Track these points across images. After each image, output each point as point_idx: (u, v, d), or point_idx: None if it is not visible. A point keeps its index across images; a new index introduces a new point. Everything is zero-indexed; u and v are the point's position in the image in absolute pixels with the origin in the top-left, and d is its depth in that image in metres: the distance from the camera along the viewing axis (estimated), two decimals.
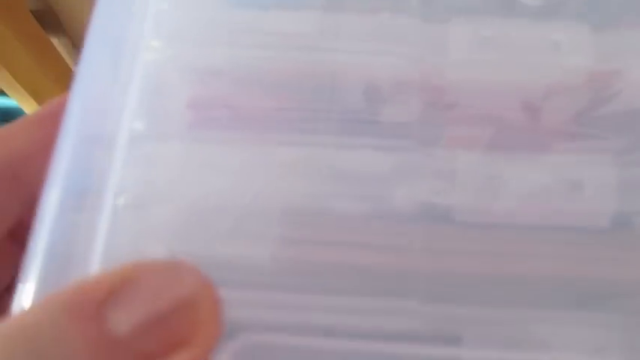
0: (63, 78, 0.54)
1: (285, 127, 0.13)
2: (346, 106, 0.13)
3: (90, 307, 0.07)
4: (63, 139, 0.12)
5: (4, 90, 0.51)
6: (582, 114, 0.13)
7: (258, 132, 0.13)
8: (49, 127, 0.13)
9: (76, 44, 0.56)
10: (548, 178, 0.12)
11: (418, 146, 0.12)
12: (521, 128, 0.13)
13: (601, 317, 0.11)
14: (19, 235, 0.14)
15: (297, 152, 0.12)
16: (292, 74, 0.13)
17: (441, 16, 0.13)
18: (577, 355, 0.10)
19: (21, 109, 0.54)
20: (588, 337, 0.11)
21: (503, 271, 0.12)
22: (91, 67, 0.12)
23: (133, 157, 0.12)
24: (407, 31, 0.13)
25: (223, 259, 0.11)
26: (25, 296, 0.10)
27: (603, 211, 0.12)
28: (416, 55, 0.13)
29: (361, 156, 0.13)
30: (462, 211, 0.12)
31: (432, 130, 0.13)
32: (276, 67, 0.13)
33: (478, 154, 0.13)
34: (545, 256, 0.12)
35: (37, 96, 0.52)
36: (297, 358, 0.10)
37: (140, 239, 0.11)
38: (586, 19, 0.13)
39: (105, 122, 0.12)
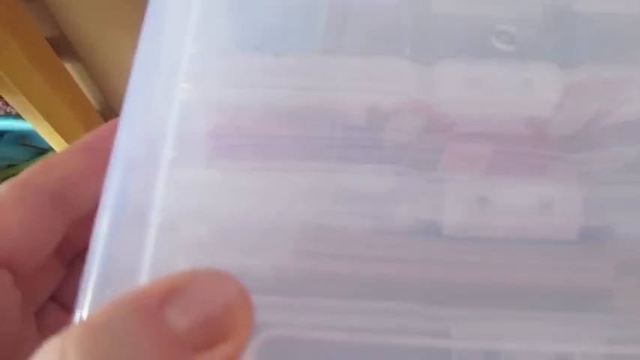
0: (76, 101, 0.56)
1: (297, 155, 0.15)
2: (350, 135, 0.15)
3: (153, 308, 0.09)
4: (112, 168, 0.14)
5: (20, 113, 0.53)
6: (554, 142, 0.15)
7: (274, 159, 0.15)
8: (93, 156, 0.15)
9: (88, 69, 0.58)
10: (525, 197, 0.14)
11: (414, 170, 0.14)
12: (503, 154, 0.15)
13: (571, 316, 0.13)
14: (63, 252, 0.16)
15: (308, 177, 0.14)
16: (301, 108, 0.15)
17: (429, 60, 0.15)
18: (548, 346, 0.12)
19: (35, 131, 0.56)
20: (558, 332, 0.13)
21: (487, 278, 0.14)
22: (134, 106, 0.14)
23: (168, 182, 0.14)
24: (401, 72, 0.15)
25: (246, 270, 0.13)
26: (87, 301, 0.12)
27: (572, 227, 0.14)
28: (409, 93, 0.15)
29: (364, 179, 0.15)
30: (451, 226, 0.14)
31: (425, 155, 0.15)
32: (287, 102, 0.15)
33: (466, 176, 0.15)
34: (523, 265, 0.14)
35: (51, 119, 0.54)
36: (310, 350, 0.12)
37: (173, 255, 0.13)
38: (555, 59, 0.15)
39: (146, 152, 0.14)
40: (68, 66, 0.56)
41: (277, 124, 0.15)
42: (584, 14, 0.16)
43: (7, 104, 0.59)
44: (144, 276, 0.12)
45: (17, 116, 0.56)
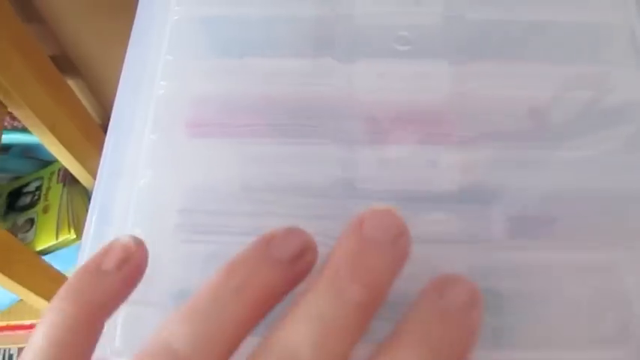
0: (78, 114, 0.61)
1: (249, 134, 0.19)
2: (290, 121, 0.19)
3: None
4: (107, 145, 0.18)
5: (26, 125, 0.57)
6: (444, 120, 0.19)
7: (232, 138, 0.19)
8: None
9: (88, 85, 0.63)
10: (416, 159, 0.18)
11: (332, 142, 0.19)
12: (402, 128, 0.19)
13: (456, 245, 0.17)
14: None
15: (257, 150, 0.19)
16: (256, 99, 0.20)
17: (350, 59, 0.19)
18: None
19: (40, 145, 0.60)
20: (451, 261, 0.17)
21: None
22: (122, 104, 0.19)
23: (151, 157, 0.18)
24: (329, 70, 0.20)
25: (212, 227, 0.18)
26: None
27: (453, 181, 0.18)
28: (335, 85, 0.19)
29: (298, 150, 0.19)
30: (362, 183, 0.18)
31: (344, 132, 0.19)
32: (245, 95, 0.20)
33: (373, 145, 0.19)
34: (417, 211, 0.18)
35: (55, 131, 0.58)
36: None
37: (156, 213, 0.18)
38: (445, 57, 0.20)
39: (134, 133, 0.18)
40: (70, 82, 0.60)
41: (238, 112, 0.20)
42: (474, 21, 0.20)
43: (14, 119, 0.63)
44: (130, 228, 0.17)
45: (23, 130, 0.60)
